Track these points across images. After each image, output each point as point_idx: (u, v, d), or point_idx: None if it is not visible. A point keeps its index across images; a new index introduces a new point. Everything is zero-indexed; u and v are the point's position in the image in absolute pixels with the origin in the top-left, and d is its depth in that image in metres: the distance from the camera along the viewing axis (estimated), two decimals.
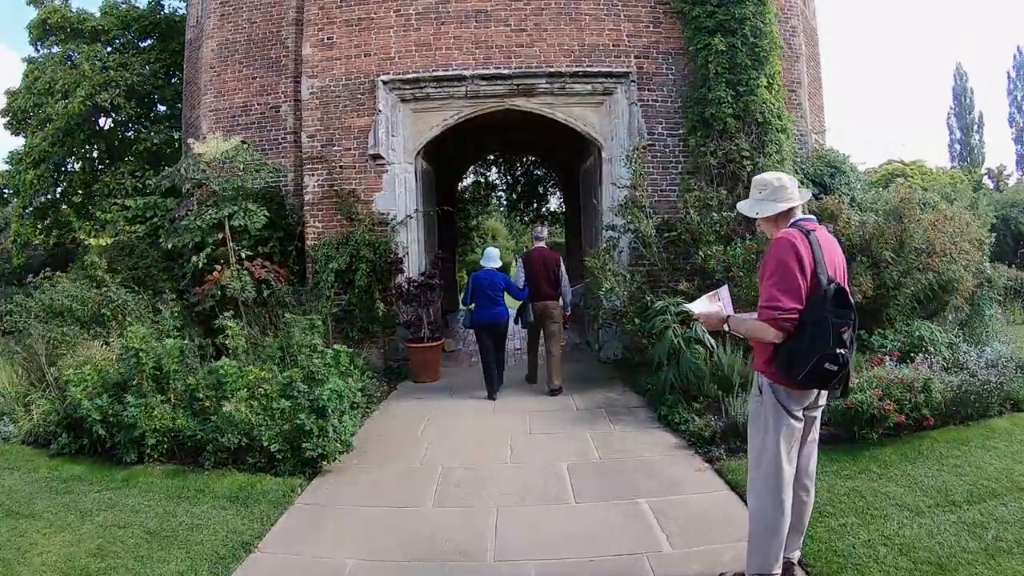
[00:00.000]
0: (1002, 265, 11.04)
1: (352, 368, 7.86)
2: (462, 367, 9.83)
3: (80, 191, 16.13)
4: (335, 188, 9.54)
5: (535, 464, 5.57)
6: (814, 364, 2.82)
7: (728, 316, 3.32)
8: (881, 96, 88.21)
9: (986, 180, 35.20)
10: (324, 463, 5.54)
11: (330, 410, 5.51)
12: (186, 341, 6.76)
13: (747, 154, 8.91)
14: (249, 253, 9.51)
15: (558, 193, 18.16)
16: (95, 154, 16.47)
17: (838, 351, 2.81)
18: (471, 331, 8.67)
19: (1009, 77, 41.45)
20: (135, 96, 15.09)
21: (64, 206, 16.38)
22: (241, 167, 9.73)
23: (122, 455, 5.77)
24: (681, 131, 9.40)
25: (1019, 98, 41.04)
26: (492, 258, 8.22)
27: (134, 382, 6.09)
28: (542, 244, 8.39)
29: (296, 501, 5.05)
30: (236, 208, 9.03)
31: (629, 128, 9.25)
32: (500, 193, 18.33)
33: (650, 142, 9.27)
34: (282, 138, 10.95)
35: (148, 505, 4.97)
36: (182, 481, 5.45)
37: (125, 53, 15.73)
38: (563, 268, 8.26)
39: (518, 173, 17.77)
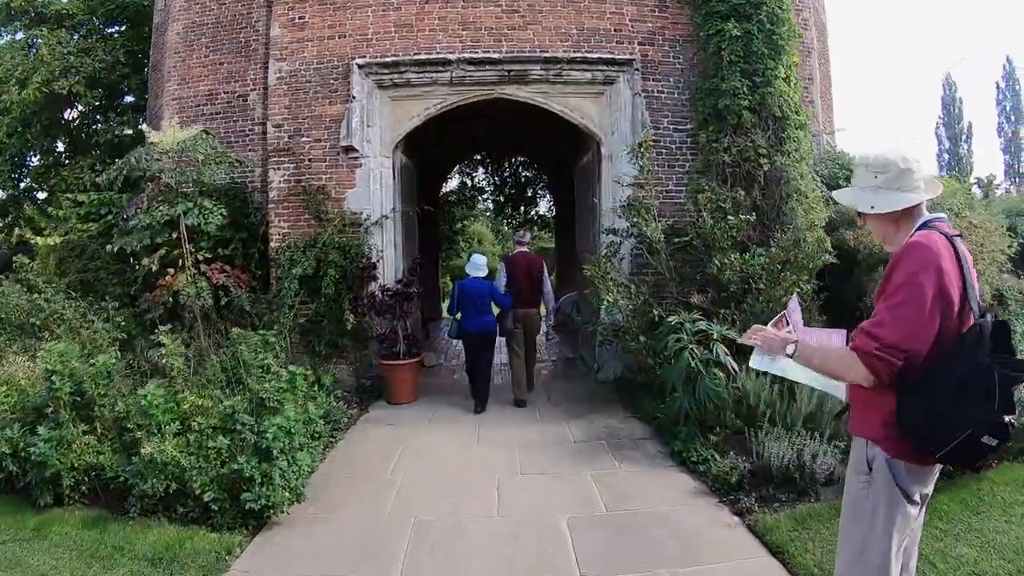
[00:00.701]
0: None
1: (316, 390, 6.86)
2: (444, 385, 8.83)
3: (45, 187, 15.05)
4: (303, 184, 8.53)
5: (528, 517, 4.57)
6: (967, 436, 1.87)
7: (796, 340, 2.37)
8: (869, 106, 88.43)
9: (975, 190, 34.82)
10: (271, 513, 4.53)
11: (276, 452, 4.48)
12: (116, 359, 5.68)
13: (764, 151, 8.02)
14: (208, 256, 8.55)
15: (548, 196, 17.25)
16: (60, 147, 15.36)
17: (1006, 419, 1.86)
18: (454, 343, 7.74)
19: (998, 87, 41.22)
20: (99, 85, 14.03)
21: (28, 203, 15.21)
22: (200, 159, 8.77)
23: (36, 497, 4.79)
24: (689, 126, 8.49)
25: (1008, 108, 40.83)
26: (478, 265, 7.72)
27: (50, 409, 5.06)
28: (525, 248, 8.12)
29: (232, 567, 4.08)
30: (191, 205, 7.99)
31: (632, 121, 8.32)
32: (487, 196, 17.32)
33: (655, 137, 8.34)
34: (250, 129, 9.90)
35: (55, 567, 4.01)
36: (100, 533, 4.48)
37: (89, 39, 14.64)
38: (547, 273, 7.97)
39: (506, 174, 16.81)
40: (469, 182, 16.95)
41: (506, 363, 8.69)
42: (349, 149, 8.36)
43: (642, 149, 7.90)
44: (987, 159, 71.43)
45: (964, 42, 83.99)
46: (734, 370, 5.84)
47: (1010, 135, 40.56)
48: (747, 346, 2.58)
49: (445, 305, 10.45)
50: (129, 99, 15.46)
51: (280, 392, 5.08)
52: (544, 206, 17.57)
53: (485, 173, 16.82)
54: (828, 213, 8.30)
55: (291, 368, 5.48)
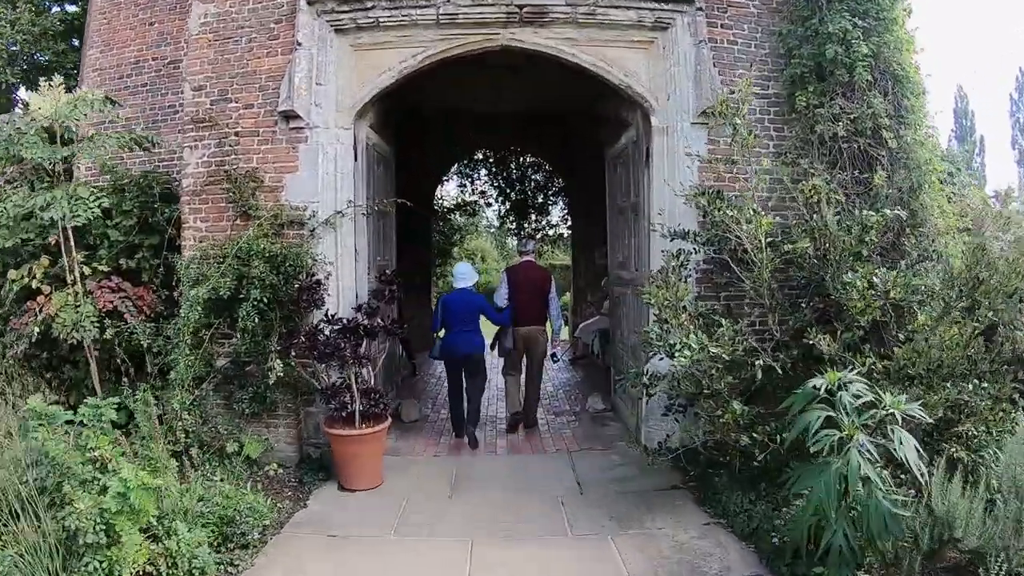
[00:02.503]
0: None
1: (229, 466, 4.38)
2: (425, 452, 6.21)
3: None
4: (226, 168, 6.02)
5: None
6: None
7: None
8: None
9: (992, 202, 32.43)
10: None
11: None
12: None
13: (886, 123, 5.52)
14: (107, 268, 6.20)
15: (561, 203, 14.73)
16: None
17: None
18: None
19: (1012, 99, 39.04)
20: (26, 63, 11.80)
21: None
22: (92, 134, 6.41)
23: None
24: (773, 88, 5.99)
25: (1022, 121, 38.55)
26: (464, 276, 6.71)
27: None
28: (530, 259, 7.14)
29: None
30: (58, 195, 5.51)
31: (696, 80, 5.79)
32: (490, 203, 14.71)
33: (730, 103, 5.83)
34: (180, 105, 7.46)
35: None
36: None
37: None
38: (554, 289, 7.02)
39: (513, 176, 14.28)
40: (469, 185, 14.41)
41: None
42: (290, 116, 5.85)
43: (731, 108, 5.24)
44: (1000, 172, 68.95)
45: (976, 54, 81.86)
46: (923, 476, 3.26)
47: None
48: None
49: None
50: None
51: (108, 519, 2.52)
52: (557, 215, 15.05)
53: (488, 175, 14.29)
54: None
55: (125, 479, 2.92)
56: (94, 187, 6.13)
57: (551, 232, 15.28)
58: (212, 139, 6.19)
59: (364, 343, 5.28)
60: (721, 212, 4.75)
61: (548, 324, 7.09)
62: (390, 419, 5.45)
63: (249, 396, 5.68)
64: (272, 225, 5.80)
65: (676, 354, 4.08)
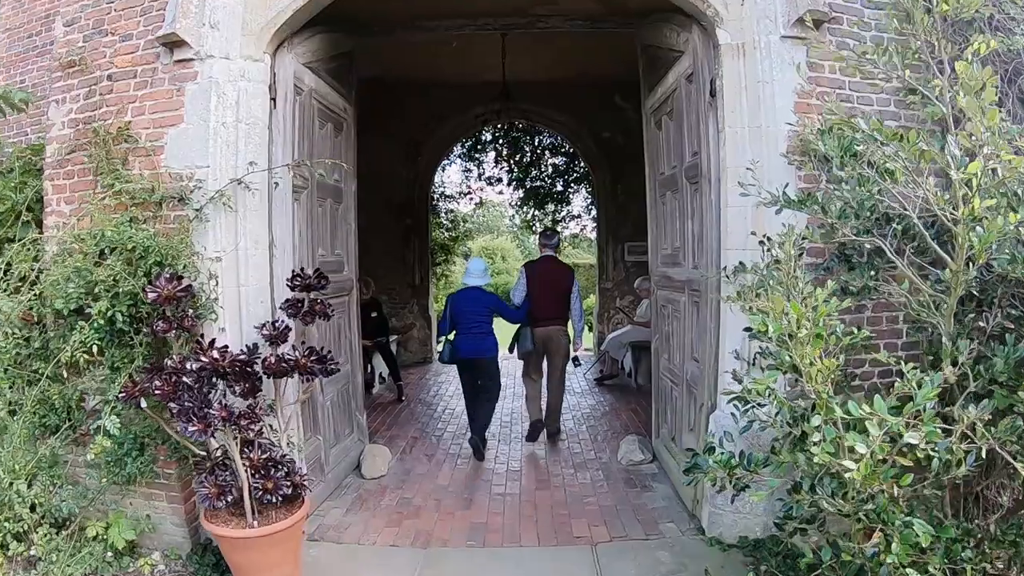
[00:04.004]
0: None
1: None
2: (379, 533, 4.20)
3: None
4: (94, 126, 4.11)
5: None
6: None
7: None
8: None
9: None
10: None
11: None
12: None
13: None
14: None
15: (583, 193, 12.66)
16: None
17: None
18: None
19: None
20: None
21: None
22: None
23: None
24: None
25: None
26: (477, 273, 6.09)
27: None
28: (551, 253, 6.52)
29: None
30: None
31: None
32: (492, 181, 12.58)
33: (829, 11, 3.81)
34: None
35: None
36: None
37: None
38: (576, 287, 6.34)
39: (526, 160, 12.22)
40: (476, 169, 12.38)
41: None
42: (175, 44, 3.91)
43: None
44: None
45: None
46: None
47: None
48: None
49: (437, 324, 8.48)
50: None
51: None
52: (580, 205, 12.93)
53: (498, 158, 12.22)
54: None
55: None
56: None
57: (572, 224, 13.18)
58: (82, 88, 4.30)
59: (268, 386, 3.29)
60: (876, 164, 2.64)
61: (570, 325, 6.37)
62: (306, 504, 3.45)
63: (123, 452, 3.80)
64: (146, 203, 3.88)
65: (822, 441, 2.00)
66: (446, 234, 12.39)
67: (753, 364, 3.57)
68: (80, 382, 3.86)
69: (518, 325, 6.18)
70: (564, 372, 6.40)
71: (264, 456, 3.26)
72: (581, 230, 13.54)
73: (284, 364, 3.21)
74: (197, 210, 3.76)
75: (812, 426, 2.01)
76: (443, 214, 12.30)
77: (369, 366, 8.06)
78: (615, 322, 10.00)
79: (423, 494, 4.75)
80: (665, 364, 4.99)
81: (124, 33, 4.18)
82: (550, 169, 12.61)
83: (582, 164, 11.78)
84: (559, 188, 12.61)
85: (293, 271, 3.60)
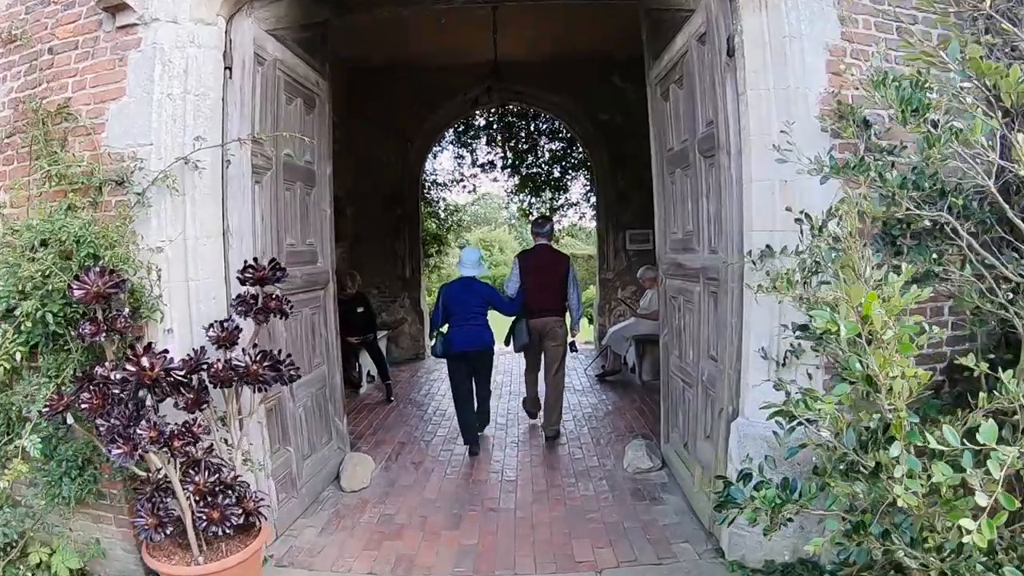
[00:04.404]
0: None
1: None
2: (356, 560, 3.72)
3: None
4: (32, 104, 3.61)
5: None
6: None
7: None
8: None
9: None
10: None
11: None
12: None
13: None
14: None
15: (582, 180, 12.13)
16: None
17: None
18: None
19: None
20: None
21: None
22: None
23: None
24: None
25: None
26: (471, 263, 5.76)
27: None
28: (545, 242, 6.07)
29: None
30: None
31: None
32: (494, 175, 12.09)
33: None
34: None
35: None
36: None
37: None
38: (573, 275, 5.97)
39: (522, 146, 11.68)
40: (469, 156, 11.82)
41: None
42: (117, 8, 3.41)
43: None
44: None
45: None
46: None
47: None
48: None
49: (430, 316, 7.35)
50: None
51: None
52: (578, 192, 12.39)
53: (491, 143, 11.68)
54: None
55: None
56: None
57: (571, 211, 12.62)
58: (23, 64, 3.83)
59: (202, 404, 2.80)
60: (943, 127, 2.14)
61: (568, 315, 6.09)
62: (264, 533, 2.98)
63: (61, 472, 3.32)
64: (86, 188, 3.39)
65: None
66: (439, 223, 11.84)
67: (783, 365, 3.11)
68: (13, 392, 3.39)
69: (513, 318, 5.91)
70: (563, 367, 6.07)
71: (212, 479, 2.78)
72: (580, 218, 12.98)
73: (231, 372, 2.72)
74: (139, 194, 3.26)
75: (890, 456, 1.52)
76: (435, 203, 11.75)
77: (357, 365, 7.58)
78: (617, 314, 9.50)
79: (408, 509, 4.27)
80: (676, 362, 4.50)
81: (67, 0, 3.70)
82: (547, 155, 12.09)
83: (580, 149, 11.27)
84: (556, 174, 12.09)
85: (245, 262, 3.10)
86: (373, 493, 4.58)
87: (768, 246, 3.03)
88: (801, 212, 2.67)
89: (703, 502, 3.88)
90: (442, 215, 11.99)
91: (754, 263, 3.03)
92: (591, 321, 11.08)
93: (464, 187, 12.12)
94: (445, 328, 5.67)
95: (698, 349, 3.98)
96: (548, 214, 11.72)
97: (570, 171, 12.07)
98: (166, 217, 3.26)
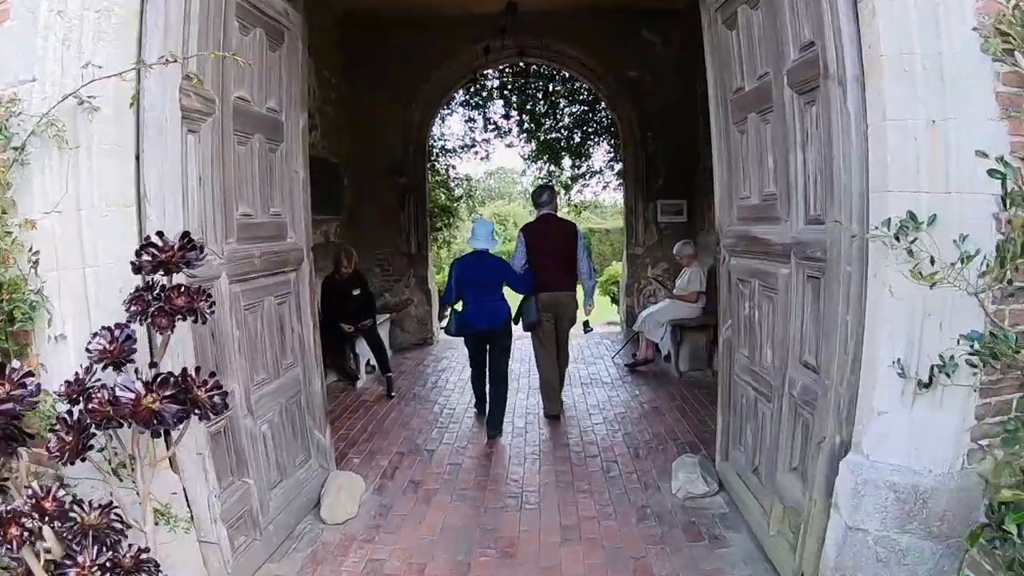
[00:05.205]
0: None
1: None
2: None
3: None
4: None
5: None
6: None
7: None
8: None
9: None
10: None
11: None
12: None
13: None
14: None
15: (603, 146, 11.08)
16: None
17: None
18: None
19: None
20: None
21: None
22: None
23: None
24: None
25: None
26: (483, 236, 5.41)
27: None
28: (548, 211, 5.76)
29: None
30: None
31: None
32: (510, 143, 11.08)
33: None
34: None
35: None
36: None
37: None
38: (583, 243, 5.78)
39: (539, 109, 10.63)
40: (480, 119, 10.78)
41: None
42: None
43: None
44: None
45: None
46: None
47: None
48: None
49: (441, 295, 7.40)
50: None
51: None
52: (601, 159, 11.34)
53: (506, 107, 10.64)
54: None
55: None
56: None
57: (593, 180, 11.59)
58: None
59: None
60: None
61: (580, 287, 5.84)
62: None
63: None
64: None
65: None
66: (448, 194, 10.84)
67: (929, 385, 2.16)
68: None
69: (523, 296, 5.66)
70: (568, 340, 5.96)
71: (104, 560, 1.90)
72: (603, 188, 11.95)
73: (111, 407, 1.81)
74: (17, 148, 2.34)
75: None
76: (444, 171, 10.75)
77: (352, 355, 6.69)
78: (647, 294, 8.54)
79: (401, 552, 3.38)
80: (744, 363, 3.54)
81: None
82: (567, 119, 11.04)
83: (603, 112, 10.20)
84: (577, 140, 11.05)
85: (147, 238, 2.16)
86: (361, 525, 3.69)
87: (911, 213, 2.06)
88: (999, 159, 1.69)
89: (783, 551, 2.96)
90: (451, 185, 11.00)
91: (896, 238, 2.06)
92: (615, 301, 10.15)
93: (476, 153, 11.10)
94: (459, 306, 5.47)
95: (781, 351, 3.01)
96: (547, 181, 10.95)
97: (592, 136, 11.03)
98: (52, 178, 2.33)
